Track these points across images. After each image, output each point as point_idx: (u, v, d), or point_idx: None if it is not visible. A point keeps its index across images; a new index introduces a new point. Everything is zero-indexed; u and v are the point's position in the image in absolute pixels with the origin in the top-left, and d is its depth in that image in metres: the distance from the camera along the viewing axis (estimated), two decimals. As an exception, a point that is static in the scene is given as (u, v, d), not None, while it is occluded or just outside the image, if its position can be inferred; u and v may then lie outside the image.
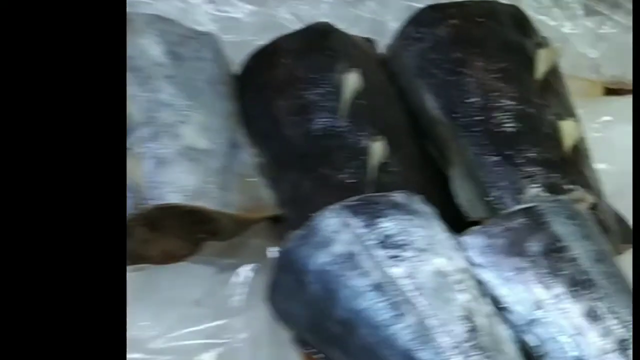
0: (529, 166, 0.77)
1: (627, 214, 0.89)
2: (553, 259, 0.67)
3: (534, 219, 0.69)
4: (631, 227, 0.86)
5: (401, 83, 0.84)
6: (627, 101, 1.04)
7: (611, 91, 1.09)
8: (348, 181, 0.75)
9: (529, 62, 0.83)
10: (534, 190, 0.76)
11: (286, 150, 0.78)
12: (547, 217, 0.69)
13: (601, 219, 0.79)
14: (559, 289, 0.65)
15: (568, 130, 0.80)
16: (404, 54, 0.85)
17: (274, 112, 0.80)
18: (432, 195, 0.77)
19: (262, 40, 0.87)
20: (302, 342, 0.69)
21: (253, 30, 0.92)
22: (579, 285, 0.66)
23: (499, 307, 0.66)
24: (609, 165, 0.95)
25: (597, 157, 0.95)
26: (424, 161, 0.81)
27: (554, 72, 0.85)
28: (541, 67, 0.83)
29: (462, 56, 0.82)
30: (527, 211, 0.70)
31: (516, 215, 0.70)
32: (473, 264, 0.68)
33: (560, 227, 0.69)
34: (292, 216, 0.74)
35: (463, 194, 0.76)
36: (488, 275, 0.67)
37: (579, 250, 0.68)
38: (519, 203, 0.74)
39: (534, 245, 0.68)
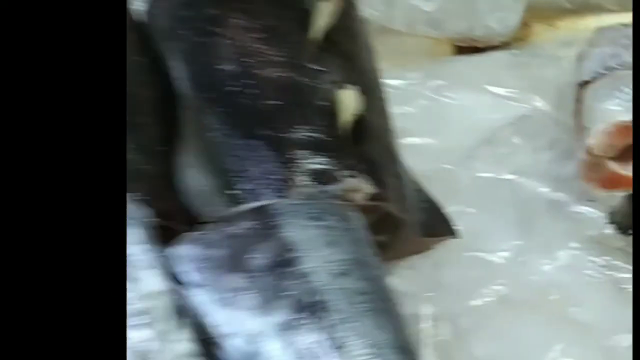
0: (293, 149, 0.59)
1: (449, 197, 0.72)
2: (278, 276, 0.50)
3: (265, 222, 0.52)
4: (447, 215, 0.70)
5: (154, 49, 0.67)
6: (470, 61, 0.88)
7: (464, 50, 0.93)
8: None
9: (305, 19, 0.65)
10: (297, 180, 0.59)
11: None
12: (280, 219, 0.52)
13: (389, 212, 0.62)
14: (282, 315, 0.49)
15: (347, 101, 0.63)
16: (155, 13, 0.67)
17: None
18: (170, 189, 0.60)
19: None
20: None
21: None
22: (307, 309, 0.49)
23: (210, 341, 0.50)
24: (433, 139, 0.78)
25: (420, 130, 0.79)
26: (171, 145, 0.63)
27: (342, 30, 0.66)
28: (320, 24, 0.65)
29: (218, 13, 0.63)
30: (258, 212, 0.52)
31: (243, 217, 0.52)
32: (183, 284, 0.51)
33: (296, 232, 0.51)
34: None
35: (198, 186, 0.59)
36: (202, 298, 0.51)
37: (316, 262, 0.50)
38: (277, 197, 0.57)
39: (259, 258, 0.51)
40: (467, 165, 0.76)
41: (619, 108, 0.68)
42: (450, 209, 0.70)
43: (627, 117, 0.67)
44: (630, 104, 0.68)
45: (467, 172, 0.75)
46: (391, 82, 0.81)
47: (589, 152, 0.68)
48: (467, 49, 0.91)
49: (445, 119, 0.79)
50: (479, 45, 0.90)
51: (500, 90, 0.82)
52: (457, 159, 0.76)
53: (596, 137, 0.68)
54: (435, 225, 0.68)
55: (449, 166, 0.76)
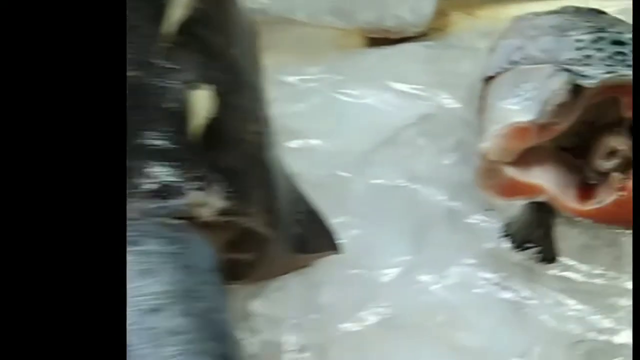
0: (137, 159, 0.52)
1: (338, 206, 0.64)
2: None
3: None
4: (329, 228, 0.61)
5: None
6: (378, 55, 0.79)
7: (378, 41, 0.84)
8: None
9: (157, 10, 0.56)
10: (133, 195, 0.51)
11: None
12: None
13: (250, 227, 0.54)
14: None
15: (201, 103, 0.55)
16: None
17: None
18: None
19: None
20: None
21: None
22: (103, 355, 0.41)
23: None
24: (326, 141, 0.70)
25: (313, 131, 0.70)
26: None
27: (205, 23, 0.58)
28: (175, 17, 0.57)
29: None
30: (63, 236, 0.45)
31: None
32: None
33: (102, 260, 0.44)
34: None
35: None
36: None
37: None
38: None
39: (56, 292, 0.43)
40: (361, 171, 0.67)
41: (517, 107, 0.60)
42: (338, 220, 0.62)
43: (525, 117, 0.59)
44: (529, 103, 0.60)
45: (361, 178, 0.67)
46: (285, 79, 0.74)
47: (484, 156, 0.60)
48: (381, 40, 0.83)
49: (342, 119, 0.71)
50: (392, 36, 0.81)
51: (405, 87, 0.73)
52: (352, 164, 0.68)
53: (491, 140, 0.60)
54: (315, 240, 0.60)
55: (342, 171, 0.67)
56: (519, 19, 0.71)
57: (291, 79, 0.73)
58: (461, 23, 0.84)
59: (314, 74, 0.74)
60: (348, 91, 0.73)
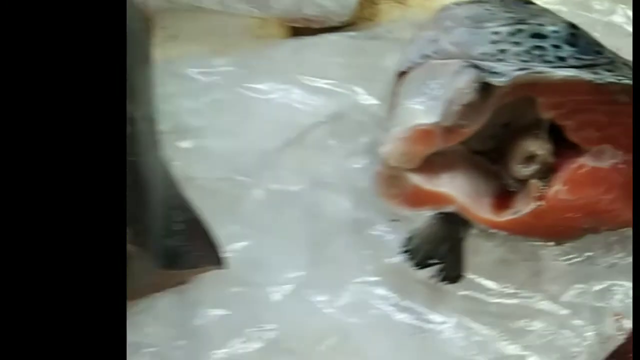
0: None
1: (230, 214, 0.59)
2: None
3: None
4: (213, 240, 0.55)
5: None
6: (295, 46, 0.72)
7: (303, 31, 0.78)
8: None
9: None
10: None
11: None
12: None
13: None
14: None
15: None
16: None
17: None
18: None
19: None
20: None
21: None
22: None
23: None
24: (225, 141, 0.64)
25: (210, 130, 0.64)
26: None
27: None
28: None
29: None
30: None
31: None
32: None
33: None
34: None
35: None
36: None
37: None
38: None
39: None
40: (260, 175, 0.61)
41: (421, 107, 0.54)
42: (226, 230, 0.56)
43: (428, 119, 0.53)
44: (434, 103, 0.53)
45: (259, 182, 0.61)
46: (187, 72, 0.67)
47: (385, 161, 0.54)
48: (306, 30, 0.76)
49: (245, 117, 0.65)
50: (315, 25, 0.75)
51: (318, 81, 0.67)
52: (251, 167, 0.61)
53: (391, 144, 0.54)
54: (193, 254, 0.54)
55: (239, 175, 0.61)
56: (442, 9, 0.65)
57: (193, 72, 0.67)
58: (391, 12, 0.78)
59: (218, 67, 0.68)
60: (254, 86, 0.66)
